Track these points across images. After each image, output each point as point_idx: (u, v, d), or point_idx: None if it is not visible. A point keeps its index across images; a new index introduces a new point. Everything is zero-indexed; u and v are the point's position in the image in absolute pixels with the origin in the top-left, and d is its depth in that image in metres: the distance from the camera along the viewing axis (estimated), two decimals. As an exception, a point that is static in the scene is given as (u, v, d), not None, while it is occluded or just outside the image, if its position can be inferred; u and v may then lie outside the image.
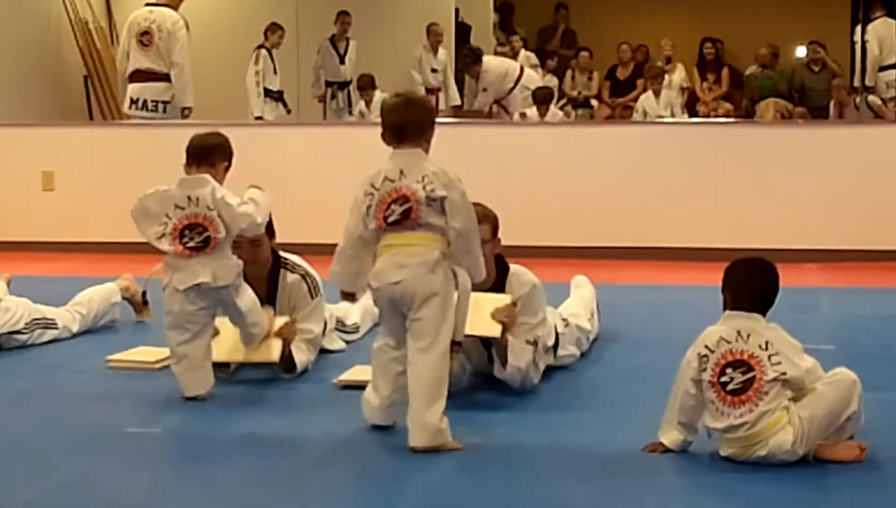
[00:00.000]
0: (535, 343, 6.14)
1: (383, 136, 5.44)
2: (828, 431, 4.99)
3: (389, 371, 5.47)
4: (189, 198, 6.10)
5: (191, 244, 6.08)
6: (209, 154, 6.21)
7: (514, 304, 6.10)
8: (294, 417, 5.92)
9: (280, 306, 6.73)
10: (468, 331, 5.61)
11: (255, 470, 5.05)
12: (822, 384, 5.02)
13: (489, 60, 14.72)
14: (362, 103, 14.51)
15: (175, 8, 12.14)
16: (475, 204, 5.78)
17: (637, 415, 5.64)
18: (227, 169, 6.29)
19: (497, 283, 6.23)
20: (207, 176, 6.15)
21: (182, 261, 6.10)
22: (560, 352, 6.65)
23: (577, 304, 7.41)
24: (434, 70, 14.91)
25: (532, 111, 13.74)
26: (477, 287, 5.95)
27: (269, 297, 6.72)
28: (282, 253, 6.85)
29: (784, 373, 4.93)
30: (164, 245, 6.12)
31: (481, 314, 5.94)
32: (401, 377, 5.43)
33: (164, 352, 6.76)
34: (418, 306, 5.28)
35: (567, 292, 7.55)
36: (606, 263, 10.03)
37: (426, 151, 5.43)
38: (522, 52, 16.20)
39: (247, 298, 6.29)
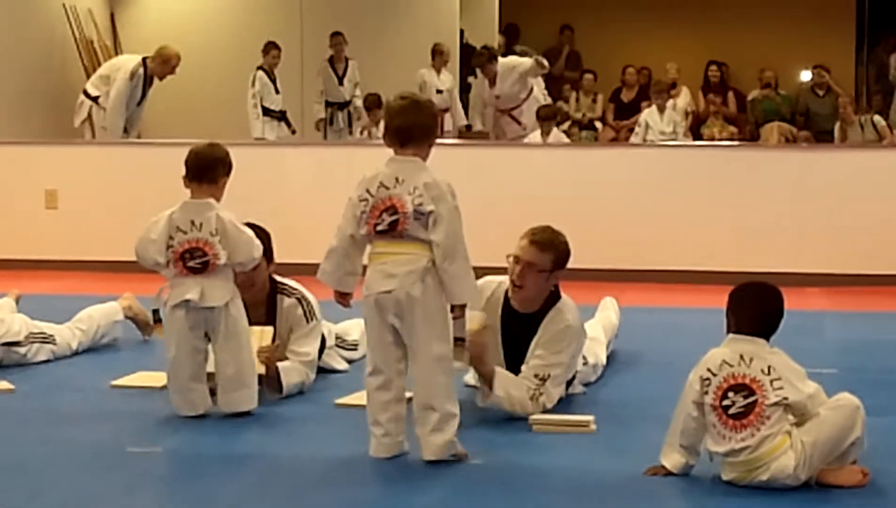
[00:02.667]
0: (543, 380, 6.07)
1: (385, 138, 5.44)
2: (830, 456, 4.97)
3: (380, 400, 5.41)
4: (192, 223, 6.08)
5: (190, 264, 6.07)
6: (210, 170, 6.18)
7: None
8: (294, 437, 5.91)
9: (278, 329, 6.72)
10: None
11: (255, 490, 5.04)
12: (826, 409, 5.00)
13: (506, 59, 14.37)
14: (368, 123, 14.43)
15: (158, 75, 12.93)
16: (549, 228, 6.02)
17: (639, 438, 5.62)
18: (226, 182, 6.27)
19: (539, 313, 6.20)
20: (212, 200, 6.13)
21: (179, 279, 6.10)
22: (570, 390, 6.61)
23: (600, 327, 7.37)
24: (439, 91, 14.86)
25: (536, 134, 13.63)
26: (523, 311, 6.07)
27: (267, 321, 6.71)
28: (278, 277, 6.83)
29: (786, 398, 4.91)
30: (170, 270, 6.10)
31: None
32: (393, 404, 5.40)
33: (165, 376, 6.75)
34: (409, 318, 5.28)
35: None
36: (608, 285, 9.99)
37: (426, 156, 5.42)
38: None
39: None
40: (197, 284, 6.07)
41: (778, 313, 5.13)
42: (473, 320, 5.83)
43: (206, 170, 6.17)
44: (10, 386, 6.74)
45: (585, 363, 6.74)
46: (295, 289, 6.81)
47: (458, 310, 5.39)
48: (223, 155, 6.25)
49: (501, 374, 6.00)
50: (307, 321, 6.74)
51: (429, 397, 5.32)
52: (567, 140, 13.86)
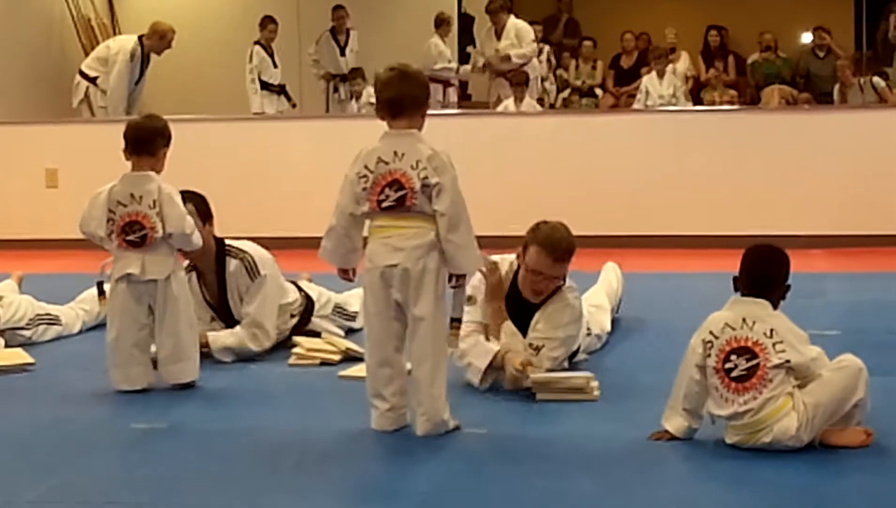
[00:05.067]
0: (537, 349, 6.05)
1: (377, 110, 5.40)
2: (833, 418, 4.97)
3: (383, 375, 5.39)
4: (132, 195, 6.14)
5: (129, 238, 6.14)
6: (149, 142, 6.23)
7: None
8: (299, 410, 5.92)
9: (231, 293, 6.83)
10: None
11: (260, 465, 5.04)
12: (828, 370, 4.99)
13: (519, 20, 14.42)
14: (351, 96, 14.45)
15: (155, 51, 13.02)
16: (560, 233, 5.92)
17: (643, 404, 5.61)
18: (166, 153, 6.29)
19: (546, 299, 6.16)
20: (152, 174, 6.18)
21: (121, 252, 6.17)
22: (574, 359, 6.62)
23: (603, 292, 7.38)
24: (449, 61, 14.86)
25: (510, 101, 13.55)
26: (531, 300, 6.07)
27: (219, 284, 6.81)
28: (227, 241, 6.89)
29: (788, 360, 4.91)
30: (113, 243, 6.18)
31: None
32: (396, 378, 5.39)
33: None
34: (413, 292, 5.26)
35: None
36: (612, 251, 9.98)
37: (420, 126, 5.37)
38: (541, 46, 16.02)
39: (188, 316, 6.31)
40: (138, 258, 6.14)
41: (776, 273, 5.11)
42: None
43: (145, 142, 6.22)
44: (31, 359, 6.81)
45: (589, 334, 6.74)
46: (241, 250, 6.88)
47: (459, 279, 5.38)
48: (161, 126, 6.29)
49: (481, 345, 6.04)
50: (251, 279, 6.81)
51: (425, 372, 5.30)
52: (538, 107, 13.77)
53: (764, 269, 5.11)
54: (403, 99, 5.32)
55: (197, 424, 5.70)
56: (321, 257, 5.51)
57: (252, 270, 6.80)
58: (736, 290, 5.12)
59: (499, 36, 14.03)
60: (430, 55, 14.53)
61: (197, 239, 6.25)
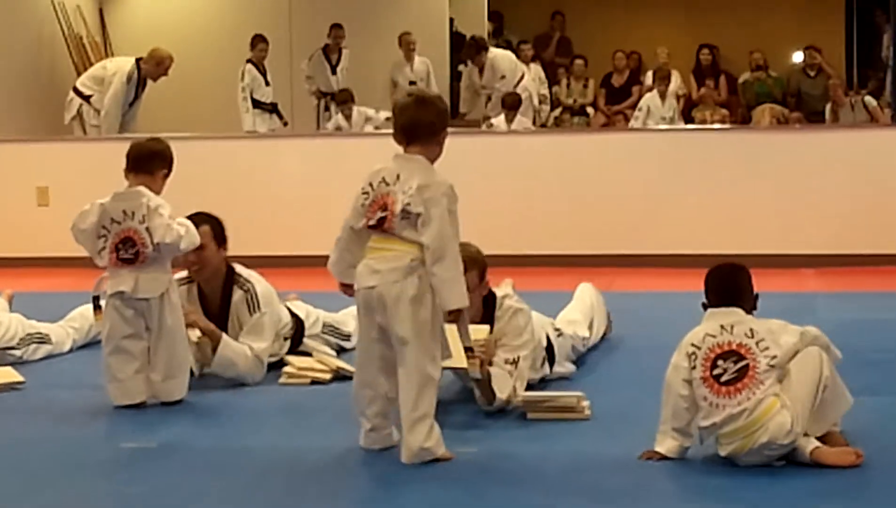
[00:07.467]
0: (514, 363, 6.05)
1: (394, 135, 5.39)
2: (814, 405, 5.00)
3: (364, 396, 5.37)
4: (124, 212, 6.18)
5: (123, 256, 6.18)
6: (147, 162, 6.29)
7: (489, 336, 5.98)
8: (289, 429, 5.92)
9: (231, 320, 6.79)
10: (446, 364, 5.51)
11: (251, 484, 5.04)
12: (793, 366, 5.04)
13: (497, 51, 14.66)
14: (340, 117, 14.45)
15: (151, 77, 13.07)
16: (465, 244, 5.64)
17: (632, 422, 5.62)
18: (166, 176, 6.35)
19: (485, 316, 6.14)
20: (142, 189, 6.21)
21: (116, 270, 6.20)
22: (556, 368, 6.61)
23: (577, 310, 7.40)
24: (412, 83, 14.89)
25: (500, 119, 13.64)
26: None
27: (221, 313, 6.77)
28: (237, 267, 6.87)
29: (775, 356, 4.98)
30: (104, 259, 6.22)
31: (456, 347, 5.60)
32: (378, 400, 5.35)
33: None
34: (391, 316, 5.19)
35: (562, 301, 7.54)
36: (602, 270, 10.01)
37: (438, 153, 5.33)
38: (532, 65, 16.08)
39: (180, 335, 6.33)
40: (132, 276, 6.17)
41: (745, 285, 5.23)
42: (479, 331, 5.83)
43: (143, 161, 6.29)
44: (20, 378, 6.79)
45: (560, 334, 6.74)
46: (247, 280, 6.85)
47: (451, 315, 5.25)
48: (161, 149, 6.37)
49: (496, 377, 5.97)
50: (250, 314, 6.78)
51: (411, 402, 5.21)
52: (530, 125, 13.84)
53: (728, 282, 5.23)
54: (417, 126, 5.30)
55: (187, 443, 5.70)
56: (328, 268, 5.49)
57: (252, 304, 6.78)
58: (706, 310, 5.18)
59: (482, 74, 14.30)
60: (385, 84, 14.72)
61: (188, 243, 6.21)
